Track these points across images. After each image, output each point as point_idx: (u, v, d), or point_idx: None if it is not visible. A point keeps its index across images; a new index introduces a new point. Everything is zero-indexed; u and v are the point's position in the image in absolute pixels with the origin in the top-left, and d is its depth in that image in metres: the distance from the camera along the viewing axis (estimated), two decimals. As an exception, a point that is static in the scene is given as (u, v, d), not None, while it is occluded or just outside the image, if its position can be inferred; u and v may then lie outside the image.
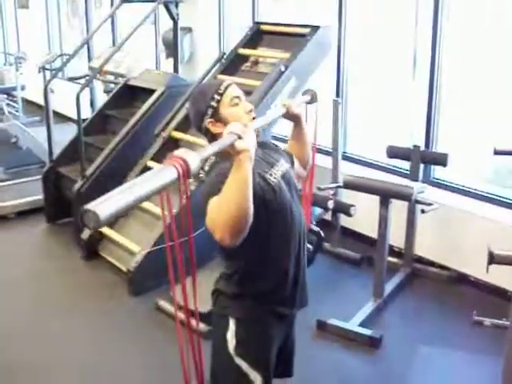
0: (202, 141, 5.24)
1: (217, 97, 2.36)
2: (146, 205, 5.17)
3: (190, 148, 5.59)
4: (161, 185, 1.69)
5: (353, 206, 4.82)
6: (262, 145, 2.49)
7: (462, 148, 5.52)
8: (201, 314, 4.23)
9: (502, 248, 2.67)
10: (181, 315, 2.25)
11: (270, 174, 2.38)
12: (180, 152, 1.78)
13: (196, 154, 1.81)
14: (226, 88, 2.39)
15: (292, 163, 2.64)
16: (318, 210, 5.30)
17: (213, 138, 2.40)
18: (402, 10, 5.71)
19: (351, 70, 6.06)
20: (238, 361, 2.42)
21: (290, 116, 2.67)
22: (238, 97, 2.40)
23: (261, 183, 2.30)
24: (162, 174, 1.72)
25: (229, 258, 2.46)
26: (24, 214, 6.42)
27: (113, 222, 5.44)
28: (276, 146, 2.69)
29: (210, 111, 2.36)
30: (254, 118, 2.40)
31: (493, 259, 2.55)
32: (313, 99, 2.93)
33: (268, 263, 2.40)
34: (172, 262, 2.00)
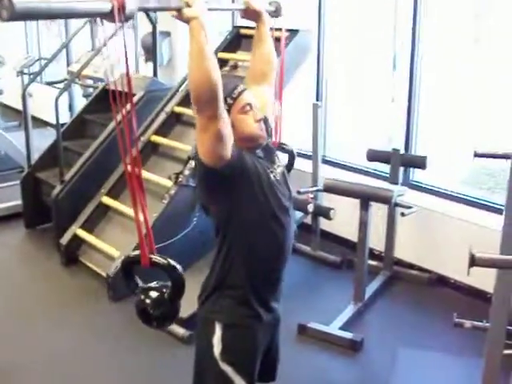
0: (181, 145, 5.24)
1: (229, 100, 2.30)
2: (125, 209, 5.15)
3: (170, 153, 5.53)
4: (89, 8, 1.61)
5: (332, 209, 4.82)
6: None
7: (441, 150, 5.56)
8: (182, 318, 4.24)
9: (482, 250, 2.67)
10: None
11: (271, 172, 2.39)
12: None
13: None
14: (240, 93, 2.34)
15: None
16: (297, 214, 5.30)
17: None
18: (381, 12, 5.74)
19: (331, 74, 6.06)
20: (224, 366, 2.40)
21: (251, 13, 2.60)
22: (250, 104, 2.35)
23: (260, 171, 2.32)
24: (94, 1, 1.64)
25: (220, 242, 2.41)
26: (2, 219, 6.35)
27: (92, 226, 5.42)
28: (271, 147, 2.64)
29: None
30: (262, 128, 2.38)
31: (474, 262, 2.55)
32: (277, 11, 2.77)
33: (257, 259, 2.38)
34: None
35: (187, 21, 2.02)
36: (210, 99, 2.07)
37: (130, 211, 5.05)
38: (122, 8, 1.68)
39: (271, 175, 2.38)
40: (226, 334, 2.41)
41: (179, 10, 2.00)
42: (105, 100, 6.34)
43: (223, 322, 2.42)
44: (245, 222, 2.32)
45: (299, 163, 5.48)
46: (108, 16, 1.68)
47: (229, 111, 2.30)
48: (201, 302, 2.52)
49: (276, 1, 2.80)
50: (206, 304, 2.49)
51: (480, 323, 3.51)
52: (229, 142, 2.17)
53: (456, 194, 5.08)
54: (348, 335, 4.24)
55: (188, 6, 2.00)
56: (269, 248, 2.41)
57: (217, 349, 2.40)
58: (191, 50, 2.04)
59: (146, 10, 1.86)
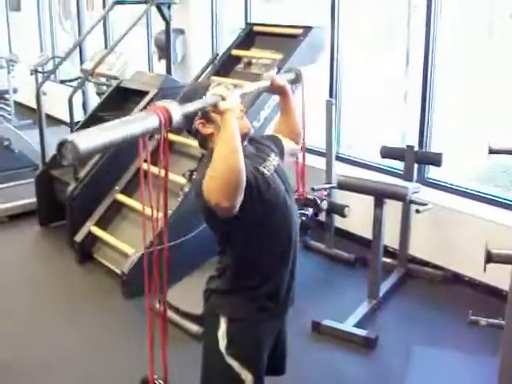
0: (196, 142, 5.23)
1: None
2: (140, 207, 5.15)
3: (184, 150, 5.56)
4: (142, 130, 1.70)
5: (347, 206, 4.81)
6: (251, 140, 2.50)
7: (455, 147, 5.53)
8: (195, 316, 4.25)
9: (497, 247, 2.66)
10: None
11: (264, 167, 2.39)
12: (163, 103, 1.79)
13: (179, 107, 1.81)
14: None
15: (281, 152, 2.63)
16: (311, 211, 5.28)
17: (203, 139, 2.43)
18: (393, 8, 5.71)
19: (344, 71, 6.04)
20: (230, 360, 2.42)
21: (275, 89, 2.66)
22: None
23: (255, 174, 2.30)
24: (144, 120, 1.71)
25: (223, 248, 2.45)
26: (17, 217, 6.39)
27: (106, 224, 5.43)
28: (264, 136, 2.68)
29: (199, 112, 2.35)
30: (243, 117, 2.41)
31: (490, 258, 2.55)
32: (297, 78, 2.85)
33: (262, 256, 2.40)
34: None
35: (222, 113, 2.08)
36: (233, 190, 2.08)
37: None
38: (169, 121, 1.79)
39: (265, 170, 2.38)
40: (231, 328, 2.42)
41: (215, 104, 2.09)
42: (118, 98, 6.43)
43: (228, 316, 2.43)
44: (246, 228, 2.31)
45: (313, 160, 5.49)
46: (157, 129, 1.78)
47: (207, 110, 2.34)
48: (206, 297, 2.54)
49: (295, 67, 2.92)
50: (210, 299, 2.52)
51: (495, 321, 3.50)
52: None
53: (471, 191, 5.04)
54: (362, 332, 4.23)
55: (223, 99, 2.07)
56: (272, 244, 2.41)
57: (222, 343, 2.42)
58: (222, 139, 2.09)
59: (188, 114, 1.93)
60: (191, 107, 1.98)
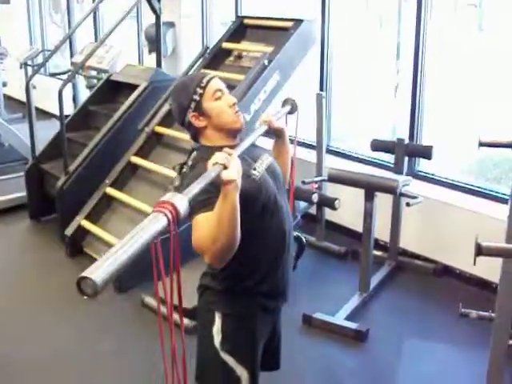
0: (186, 136, 5.22)
1: (199, 90, 2.34)
2: (130, 200, 5.15)
3: (174, 143, 5.54)
4: (152, 235, 1.65)
5: (337, 199, 4.81)
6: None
7: (446, 139, 5.55)
8: (186, 309, 4.23)
9: (487, 240, 2.67)
10: (164, 311, 2.21)
11: (254, 169, 2.36)
12: (168, 197, 1.74)
13: (183, 197, 1.76)
14: (209, 81, 2.37)
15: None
16: (302, 204, 5.30)
17: (196, 132, 2.41)
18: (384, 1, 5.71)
19: (335, 64, 6.03)
20: (224, 356, 2.40)
21: (273, 131, 2.61)
22: (220, 90, 2.38)
23: (248, 181, 2.26)
24: (152, 225, 1.68)
25: None
26: (7, 211, 6.36)
27: (97, 217, 5.42)
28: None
29: (192, 105, 2.34)
30: (237, 112, 2.39)
31: (480, 251, 2.54)
32: (293, 109, 2.84)
33: (257, 257, 2.39)
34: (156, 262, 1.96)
35: (225, 183, 1.99)
36: (225, 257, 2.12)
37: (134, 202, 5.05)
38: (177, 218, 1.72)
39: (255, 173, 2.35)
40: (226, 324, 2.41)
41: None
42: (109, 91, 6.41)
43: (222, 311, 2.42)
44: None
45: (304, 153, 5.49)
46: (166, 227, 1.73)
47: (201, 102, 2.34)
48: (200, 293, 2.53)
49: (290, 98, 2.87)
50: (205, 294, 2.50)
51: (486, 313, 3.50)
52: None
53: (461, 184, 5.06)
54: (353, 325, 4.24)
55: (225, 167, 1.97)
56: (267, 244, 2.40)
57: (217, 339, 2.40)
58: (222, 210, 2.02)
59: (193, 196, 1.85)
60: (196, 188, 1.89)
